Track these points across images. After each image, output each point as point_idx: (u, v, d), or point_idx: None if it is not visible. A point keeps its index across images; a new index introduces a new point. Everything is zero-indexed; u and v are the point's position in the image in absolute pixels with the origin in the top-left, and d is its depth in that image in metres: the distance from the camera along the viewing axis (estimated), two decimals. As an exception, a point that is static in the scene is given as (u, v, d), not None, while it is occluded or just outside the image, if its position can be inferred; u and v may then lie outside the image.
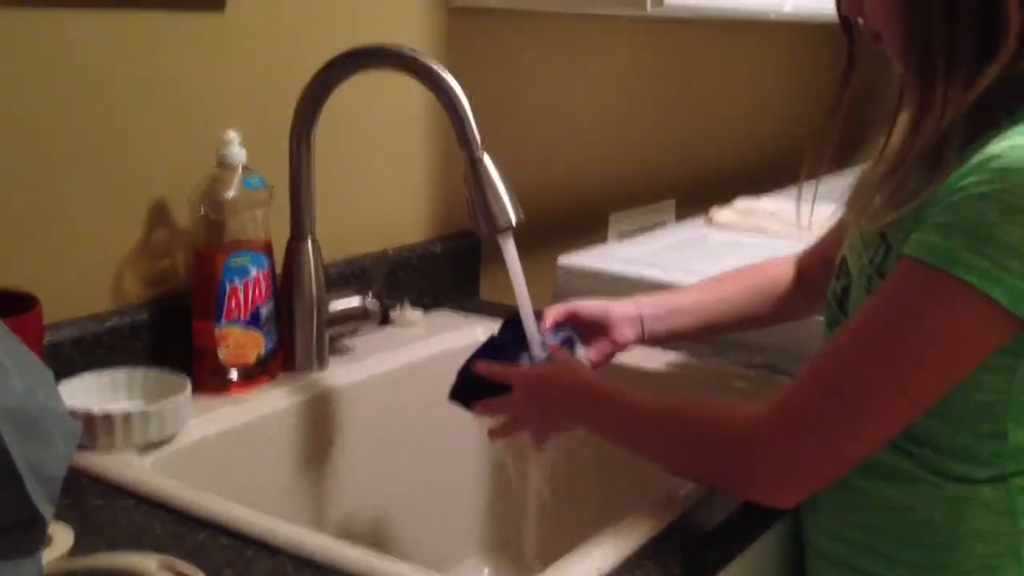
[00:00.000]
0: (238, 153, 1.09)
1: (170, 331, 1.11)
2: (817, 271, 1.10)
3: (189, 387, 1.00)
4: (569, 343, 1.06)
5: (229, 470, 1.03)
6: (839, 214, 1.03)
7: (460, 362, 1.03)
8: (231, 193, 1.08)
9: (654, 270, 1.40)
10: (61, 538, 0.79)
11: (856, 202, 0.94)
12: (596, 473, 1.17)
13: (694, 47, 2.05)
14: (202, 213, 1.09)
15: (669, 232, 1.79)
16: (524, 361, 1.01)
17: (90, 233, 1.07)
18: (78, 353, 1.03)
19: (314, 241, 1.16)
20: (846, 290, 0.93)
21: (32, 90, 1.01)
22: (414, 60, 1.04)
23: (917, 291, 0.79)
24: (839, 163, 0.97)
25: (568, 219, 1.76)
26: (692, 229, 1.76)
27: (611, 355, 1.10)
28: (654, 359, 1.26)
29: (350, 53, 1.08)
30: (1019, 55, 0.80)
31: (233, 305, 1.09)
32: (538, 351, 1.01)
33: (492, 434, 1.02)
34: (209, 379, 1.09)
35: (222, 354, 1.09)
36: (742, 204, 1.81)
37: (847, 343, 0.83)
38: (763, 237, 1.65)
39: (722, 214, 1.77)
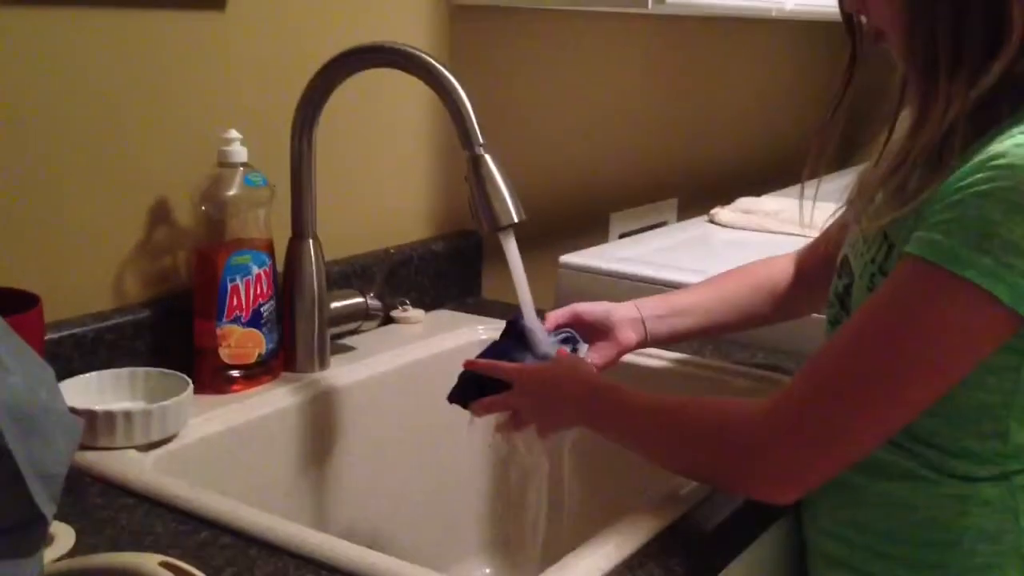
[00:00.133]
0: (239, 152, 1.09)
1: (171, 330, 1.11)
2: (817, 269, 1.10)
3: (190, 386, 1.00)
4: (571, 343, 1.05)
5: (230, 469, 1.02)
6: (840, 212, 1.03)
7: (462, 361, 1.03)
8: (232, 192, 1.08)
9: (656, 269, 1.40)
10: (63, 537, 0.79)
11: (857, 201, 0.94)
12: (598, 472, 1.17)
13: (696, 46, 2.05)
14: (203, 212, 1.09)
15: (671, 231, 1.79)
16: (528, 362, 1.01)
17: (92, 232, 1.07)
18: (79, 352, 1.03)
19: (315, 240, 1.16)
20: (848, 288, 0.93)
21: (33, 89, 1.01)
22: (415, 58, 1.04)
23: (918, 289, 0.78)
24: (841, 162, 0.97)
25: (570, 218, 1.76)
26: (694, 228, 1.76)
27: (615, 358, 1.10)
28: (655, 358, 1.25)
29: (351, 51, 1.08)
30: (1023, 53, 0.79)
31: (234, 304, 1.09)
32: (541, 348, 1.01)
33: (499, 427, 1.02)
34: (210, 378, 1.09)
35: (223, 353, 1.09)
36: (744, 203, 1.81)
37: (847, 341, 0.83)
38: (765, 236, 1.65)
39: (724, 213, 1.77)
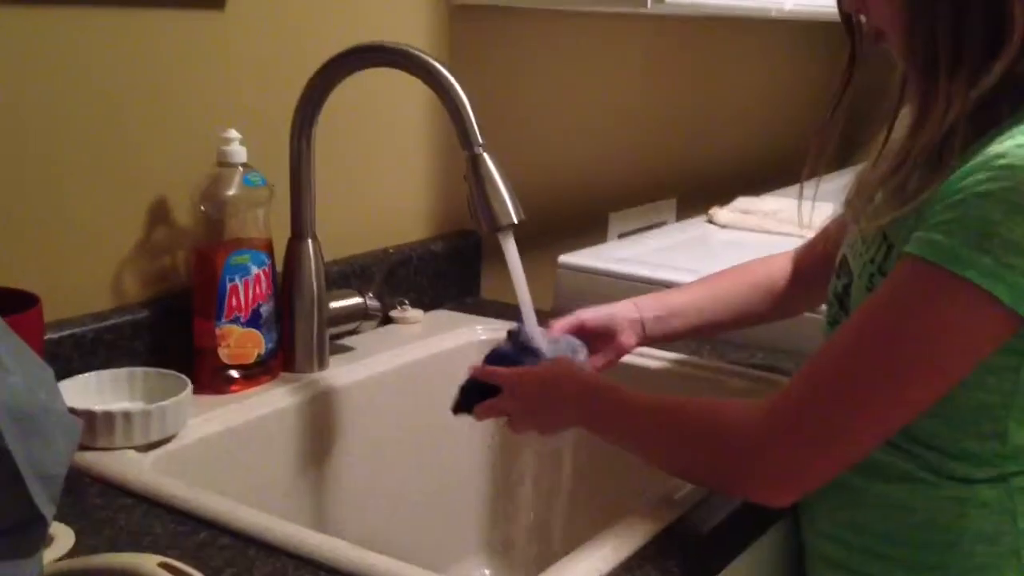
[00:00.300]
0: (239, 151, 1.09)
1: (170, 330, 1.11)
2: (815, 267, 1.10)
3: (189, 386, 1.00)
4: (571, 346, 1.05)
5: (229, 470, 1.02)
6: (838, 212, 1.03)
7: (461, 360, 1.03)
8: (232, 192, 1.08)
9: (654, 269, 1.40)
10: (62, 538, 0.79)
11: (856, 201, 0.94)
12: (596, 474, 1.17)
13: (695, 46, 2.05)
14: (203, 211, 1.09)
15: (669, 231, 1.79)
16: (527, 366, 1.01)
17: (91, 232, 1.07)
18: (79, 352, 1.03)
19: (315, 240, 1.16)
20: (847, 288, 0.93)
21: (32, 88, 1.01)
22: (415, 57, 1.04)
23: (918, 289, 0.78)
24: (840, 162, 0.97)
25: (569, 218, 1.76)
26: (693, 228, 1.76)
27: (614, 361, 1.10)
28: (652, 359, 1.25)
29: (351, 51, 1.08)
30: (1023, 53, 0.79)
31: (233, 304, 1.08)
32: (541, 352, 1.01)
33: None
34: (209, 378, 1.09)
35: (222, 353, 1.09)
36: (743, 203, 1.81)
37: (846, 342, 0.82)
38: (764, 236, 1.65)
39: (723, 213, 1.77)
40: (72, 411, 0.90)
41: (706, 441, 0.86)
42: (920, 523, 0.88)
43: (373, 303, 1.25)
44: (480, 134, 1.00)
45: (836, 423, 0.80)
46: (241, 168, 1.09)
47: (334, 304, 1.20)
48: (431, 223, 1.47)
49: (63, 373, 0.99)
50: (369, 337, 1.28)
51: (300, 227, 1.15)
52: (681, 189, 2.06)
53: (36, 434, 0.56)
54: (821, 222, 1.10)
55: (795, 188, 0.99)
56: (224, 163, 1.09)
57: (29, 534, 0.56)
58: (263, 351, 1.11)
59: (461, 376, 1.02)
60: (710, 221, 1.77)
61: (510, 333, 1.04)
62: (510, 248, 1.00)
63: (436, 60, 1.03)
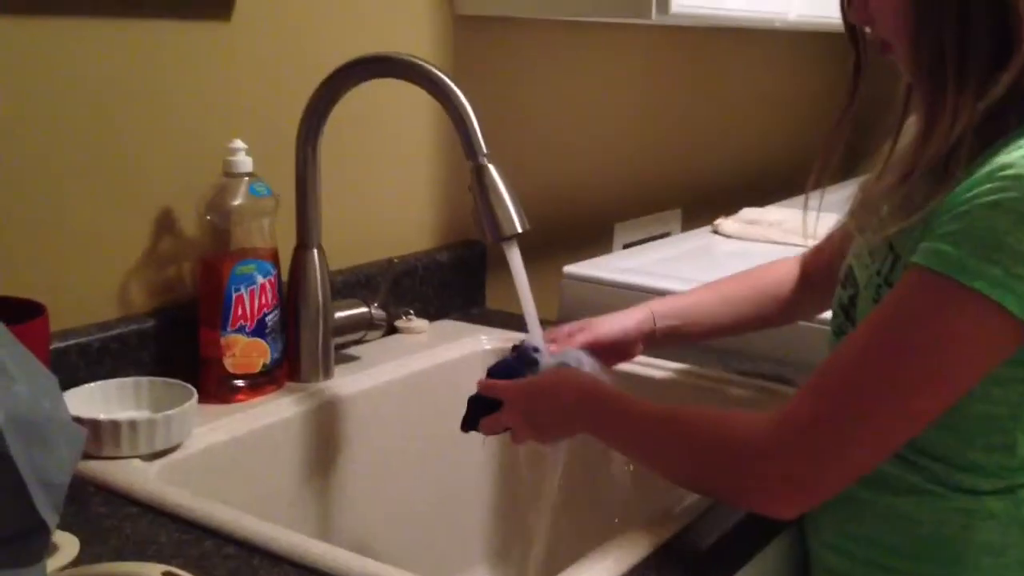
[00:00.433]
0: (244, 162, 1.09)
1: (176, 340, 1.11)
2: (821, 272, 1.10)
3: (195, 396, 1.00)
4: (576, 359, 1.05)
5: (235, 479, 1.02)
6: (843, 223, 1.03)
7: (466, 371, 1.03)
8: (237, 201, 1.08)
9: (659, 280, 1.40)
10: (67, 547, 0.79)
11: (860, 212, 0.93)
12: (601, 485, 1.16)
13: (700, 57, 2.06)
14: (208, 221, 1.09)
15: (674, 242, 1.79)
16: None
17: (97, 241, 1.07)
18: (84, 361, 1.03)
19: (320, 249, 1.16)
20: (853, 299, 0.93)
21: (39, 99, 1.01)
22: (420, 68, 1.04)
23: (925, 300, 0.78)
24: (845, 173, 0.97)
25: (574, 228, 1.76)
26: (697, 239, 1.76)
27: (616, 362, 1.11)
28: (656, 368, 1.25)
29: (356, 62, 1.09)
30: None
31: (239, 313, 1.09)
32: (545, 358, 1.01)
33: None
34: (215, 388, 1.09)
35: (228, 363, 1.09)
36: (748, 214, 1.81)
37: (852, 353, 0.82)
38: (769, 247, 1.65)
39: (727, 224, 1.77)
40: (78, 420, 0.90)
41: (712, 452, 0.86)
42: (926, 535, 0.87)
43: (378, 313, 1.25)
44: (485, 144, 1.01)
45: (843, 435, 0.80)
46: (247, 178, 1.09)
47: (339, 314, 1.20)
48: (436, 233, 1.47)
49: (69, 382, 0.99)
50: (374, 347, 1.28)
51: (306, 237, 1.15)
52: (686, 199, 2.06)
53: (40, 442, 0.56)
54: (827, 231, 1.10)
55: (800, 199, 0.99)
56: (230, 173, 1.09)
57: (32, 542, 0.56)
58: (268, 361, 1.12)
59: (466, 386, 1.02)
60: (715, 231, 1.77)
61: (515, 347, 1.04)
62: (515, 258, 1.00)
63: (440, 70, 1.03)
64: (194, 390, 1.01)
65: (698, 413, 0.89)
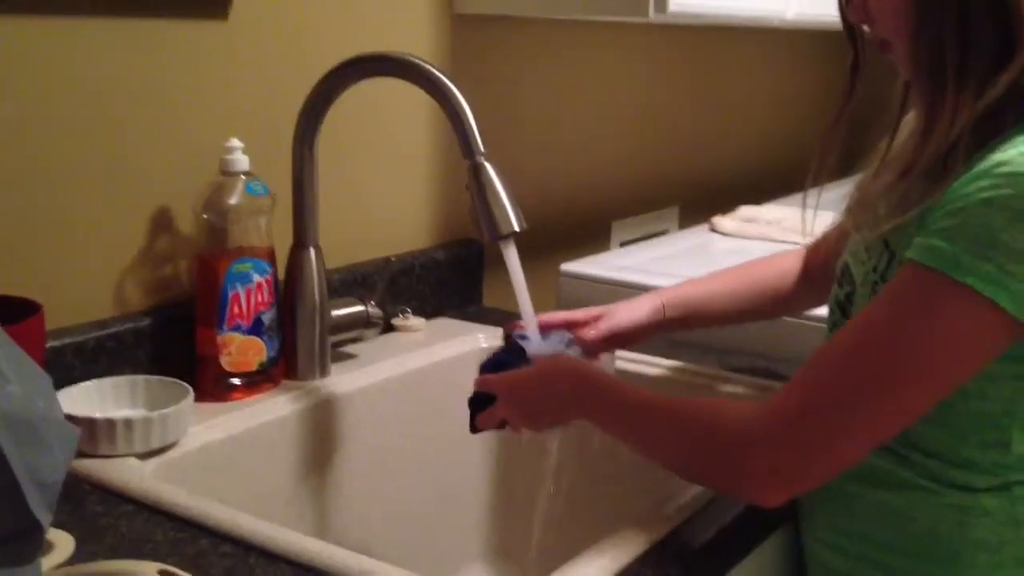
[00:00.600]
0: (241, 160, 1.09)
1: (173, 338, 1.11)
2: (819, 269, 1.11)
3: (191, 394, 1.00)
4: (562, 341, 1.05)
5: (231, 477, 1.02)
6: (840, 220, 1.03)
7: (463, 369, 1.03)
8: (234, 200, 1.08)
9: (657, 277, 1.40)
10: (62, 545, 0.79)
11: (857, 209, 0.93)
12: (598, 482, 1.17)
13: (698, 55, 2.06)
14: (205, 220, 1.09)
15: (672, 240, 1.79)
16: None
17: (93, 240, 1.07)
18: (80, 359, 1.03)
19: (317, 248, 1.16)
20: (850, 296, 0.93)
21: (36, 98, 1.01)
22: (417, 67, 1.04)
23: (919, 295, 0.78)
24: (843, 171, 0.97)
25: (571, 226, 1.76)
26: (695, 237, 1.76)
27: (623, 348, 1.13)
28: (651, 365, 1.26)
29: (353, 60, 1.09)
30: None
31: (235, 312, 1.09)
32: (539, 355, 1.01)
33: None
34: (211, 386, 1.09)
35: (224, 361, 1.09)
36: (745, 212, 1.81)
37: (844, 345, 0.82)
38: (766, 245, 1.64)
39: (725, 222, 1.77)
40: (73, 418, 0.90)
41: (702, 439, 0.86)
42: (921, 532, 0.88)
43: (375, 311, 1.25)
44: (482, 143, 1.00)
45: (832, 425, 0.80)
46: (243, 177, 1.09)
47: (336, 312, 1.20)
48: (433, 231, 1.47)
49: (65, 381, 0.99)
50: (371, 345, 1.28)
51: (302, 235, 1.15)
52: (684, 197, 2.06)
53: (33, 442, 0.56)
54: (824, 227, 1.10)
55: (798, 197, 0.99)
56: (227, 172, 1.09)
57: (26, 542, 0.56)
58: (265, 359, 1.12)
59: (463, 384, 1.02)
60: (713, 230, 1.78)
61: (506, 337, 1.04)
62: (512, 256, 1.00)
63: (437, 69, 1.03)
64: (190, 388, 1.01)
65: (690, 401, 0.89)
